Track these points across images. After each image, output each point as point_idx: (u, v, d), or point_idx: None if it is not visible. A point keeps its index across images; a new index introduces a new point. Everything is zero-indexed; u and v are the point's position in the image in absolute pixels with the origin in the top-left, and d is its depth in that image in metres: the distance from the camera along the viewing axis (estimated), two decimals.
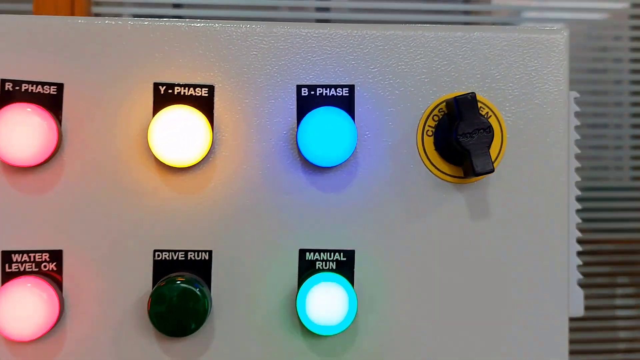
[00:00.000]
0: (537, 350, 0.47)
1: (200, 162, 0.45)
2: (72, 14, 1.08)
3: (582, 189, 0.53)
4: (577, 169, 0.52)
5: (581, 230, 0.52)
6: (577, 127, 0.52)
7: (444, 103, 0.46)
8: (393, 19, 1.30)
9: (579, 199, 0.53)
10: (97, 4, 1.18)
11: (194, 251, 0.46)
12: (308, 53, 0.47)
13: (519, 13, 1.41)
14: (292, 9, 1.33)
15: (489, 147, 0.44)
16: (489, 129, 0.44)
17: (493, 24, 1.38)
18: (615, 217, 1.32)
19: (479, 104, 0.46)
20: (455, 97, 0.44)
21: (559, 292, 0.46)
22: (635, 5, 1.37)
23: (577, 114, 0.52)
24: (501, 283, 0.47)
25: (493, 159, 0.47)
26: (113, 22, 0.46)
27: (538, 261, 0.47)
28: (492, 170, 0.43)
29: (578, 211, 0.52)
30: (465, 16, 1.35)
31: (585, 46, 1.37)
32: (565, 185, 0.47)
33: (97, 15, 1.15)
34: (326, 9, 1.32)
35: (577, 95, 0.52)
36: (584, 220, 0.58)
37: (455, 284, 0.47)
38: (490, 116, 0.47)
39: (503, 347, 0.47)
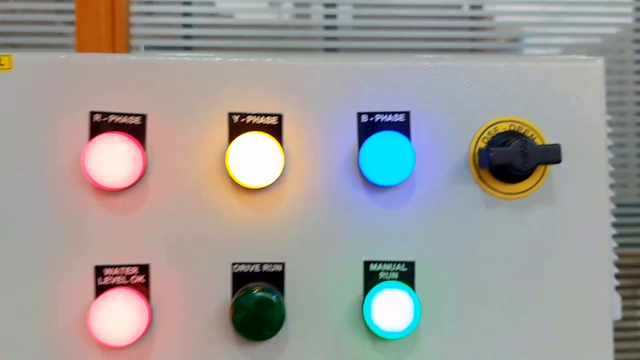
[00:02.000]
0: (583, 349, 0.51)
1: (272, 183, 0.50)
2: (113, 47, 1.14)
3: None
4: (610, 185, 0.57)
5: None
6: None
7: (492, 126, 0.51)
8: (400, 46, 1.36)
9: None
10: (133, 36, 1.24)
11: (268, 263, 0.50)
12: (367, 83, 0.51)
13: (521, 40, 1.47)
14: (300, 38, 1.39)
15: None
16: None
17: (496, 50, 1.44)
18: (630, 232, 1.36)
19: (523, 127, 0.51)
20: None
21: (602, 296, 0.51)
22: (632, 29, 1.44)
23: (609, 135, 0.57)
24: (550, 290, 0.51)
25: (538, 178, 0.51)
26: (189, 59, 0.51)
27: (584, 268, 0.51)
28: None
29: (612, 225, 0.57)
30: (472, 43, 1.41)
31: None
32: (607, 200, 0.51)
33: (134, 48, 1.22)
34: (334, 38, 1.38)
35: (609, 117, 0.56)
36: None
37: (507, 291, 0.51)
38: (535, 138, 0.51)
39: (553, 348, 0.51)
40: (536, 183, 0.51)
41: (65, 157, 0.49)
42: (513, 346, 0.51)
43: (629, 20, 1.47)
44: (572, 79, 0.52)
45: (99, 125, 0.50)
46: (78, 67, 0.50)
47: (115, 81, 0.50)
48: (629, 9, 1.45)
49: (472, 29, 1.42)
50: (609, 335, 0.51)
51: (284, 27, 1.39)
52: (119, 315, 0.48)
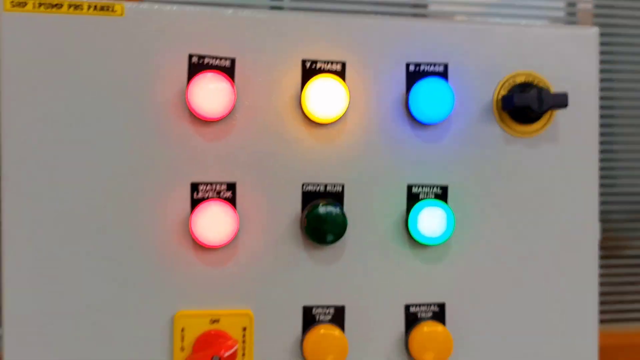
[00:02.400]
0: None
1: (337, 119, 0.61)
2: None
3: None
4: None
5: None
6: None
7: (512, 78, 0.64)
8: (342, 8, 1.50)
9: None
10: None
11: (331, 184, 0.62)
12: (414, 39, 0.63)
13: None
14: None
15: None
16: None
17: None
18: None
19: (536, 79, 0.64)
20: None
21: (590, 217, 0.65)
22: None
23: None
24: (549, 205, 0.65)
25: (546, 121, 0.64)
26: (272, 14, 0.61)
27: (574, 189, 0.65)
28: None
29: None
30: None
31: None
32: (596, 138, 0.65)
33: None
34: None
35: None
36: None
37: (518, 207, 0.64)
38: (543, 87, 0.64)
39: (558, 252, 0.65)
40: (544, 124, 0.64)
41: (167, 92, 0.59)
42: (529, 247, 0.64)
43: (560, 14, 1.60)
44: (574, 43, 0.65)
45: (196, 66, 0.60)
46: (179, 16, 0.59)
47: (209, 30, 0.60)
48: (561, 4, 1.58)
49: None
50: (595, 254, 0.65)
51: None
52: (214, 221, 0.58)
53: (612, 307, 1.37)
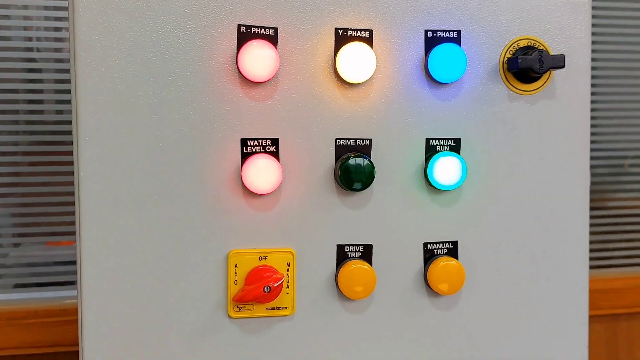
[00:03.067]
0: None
1: (366, 80, 0.70)
2: None
3: None
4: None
5: None
6: None
7: (516, 42, 0.73)
8: None
9: None
10: None
11: (360, 139, 0.71)
12: (433, 9, 0.72)
13: None
14: None
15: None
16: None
17: None
18: None
19: (537, 43, 0.73)
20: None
21: (581, 167, 0.75)
22: None
23: None
24: (547, 148, 0.75)
25: (545, 80, 0.74)
26: None
27: (565, 137, 0.75)
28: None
29: None
30: None
31: None
32: (588, 94, 0.75)
33: None
34: None
35: None
36: None
37: (517, 152, 0.74)
38: (543, 50, 0.73)
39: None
40: (544, 83, 0.74)
41: (221, 59, 0.68)
42: (528, 191, 0.75)
43: None
44: (570, 11, 0.74)
45: (244, 35, 0.68)
46: None
47: (255, 3, 0.68)
48: None
49: None
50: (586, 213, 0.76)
51: None
52: (261, 172, 0.67)
53: (596, 255, 1.50)
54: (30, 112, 1.27)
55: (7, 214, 1.26)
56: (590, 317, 0.79)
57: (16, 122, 1.25)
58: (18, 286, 1.28)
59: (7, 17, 1.23)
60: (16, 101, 1.27)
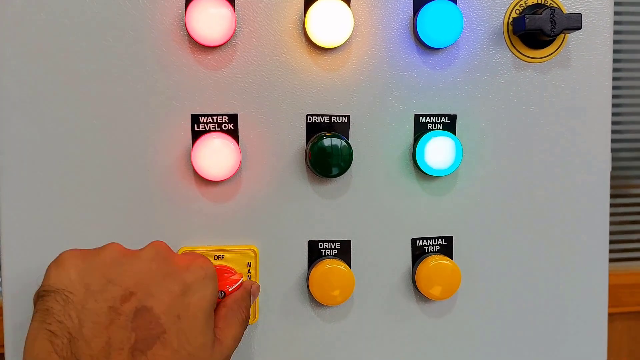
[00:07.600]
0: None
1: (342, 44, 0.58)
2: None
3: None
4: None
5: None
6: None
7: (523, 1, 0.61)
8: None
9: None
10: None
11: (336, 115, 0.60)
12: None
13: None
14: None
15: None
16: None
17: None
18: None
19: (549, 0, 0.61)
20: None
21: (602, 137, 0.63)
22: None
23: None
24: (554, 124, 0.63)
25: (558, 46, 0.62)
26: None
27: (585, 113, 0.63)
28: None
29: None
30: None
31: None
32: (610, 64, 0.63)
33: None
34: None
35: None
36: None
37: (524, 132, 0.62)
38: (556, 8, 0.61)
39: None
40: (557, 49, 0.62)
41: (165, 18, 0.56)
42: (538, 178, 0.63)
43: None
44: None
45: None
46: None
47: None
48: None
49: None
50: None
51: None
52: (216, 155, 0.56)
53: (617, 247, 1.37)
54: None
55: None
56: (611, 314, 0.67)
57: None
58: None
59: None
60: None
